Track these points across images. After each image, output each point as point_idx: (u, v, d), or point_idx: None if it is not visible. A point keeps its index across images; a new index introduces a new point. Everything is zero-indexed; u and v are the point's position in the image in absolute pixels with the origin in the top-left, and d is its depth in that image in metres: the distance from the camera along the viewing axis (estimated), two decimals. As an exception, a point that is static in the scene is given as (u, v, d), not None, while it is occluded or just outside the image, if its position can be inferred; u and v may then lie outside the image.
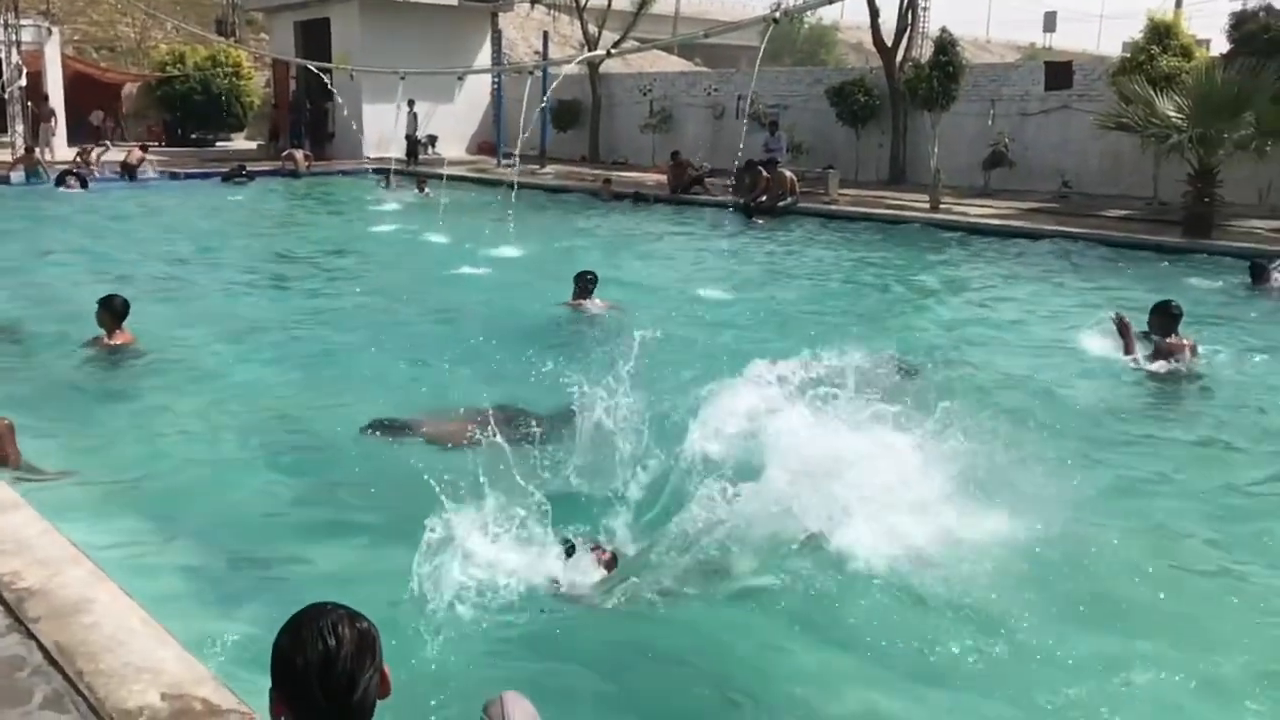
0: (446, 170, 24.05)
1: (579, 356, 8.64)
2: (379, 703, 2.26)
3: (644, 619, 4.42)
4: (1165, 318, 8.60)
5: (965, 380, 8.17)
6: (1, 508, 4.42)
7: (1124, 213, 17.95)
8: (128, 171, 22.75)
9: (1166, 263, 14.05)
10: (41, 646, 3.43)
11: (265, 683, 3.21)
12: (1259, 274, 12.44)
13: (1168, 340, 8.50)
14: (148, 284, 11.49)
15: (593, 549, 4.85)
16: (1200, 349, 8.68)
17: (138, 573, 4.34)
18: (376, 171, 23.69)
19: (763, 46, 11.02)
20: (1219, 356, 8.94)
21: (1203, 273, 13.26)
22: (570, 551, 4.78)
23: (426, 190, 21.62)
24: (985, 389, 7.92)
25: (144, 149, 24.84)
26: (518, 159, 17.79)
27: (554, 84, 21.60)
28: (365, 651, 2.21)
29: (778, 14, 10.24)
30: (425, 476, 5.88)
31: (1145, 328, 8.81)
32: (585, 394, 6.07)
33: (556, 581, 4.66)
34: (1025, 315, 11.15)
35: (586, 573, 4.75)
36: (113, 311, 8.38)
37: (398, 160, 26.30)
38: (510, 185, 17.55)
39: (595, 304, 10.10)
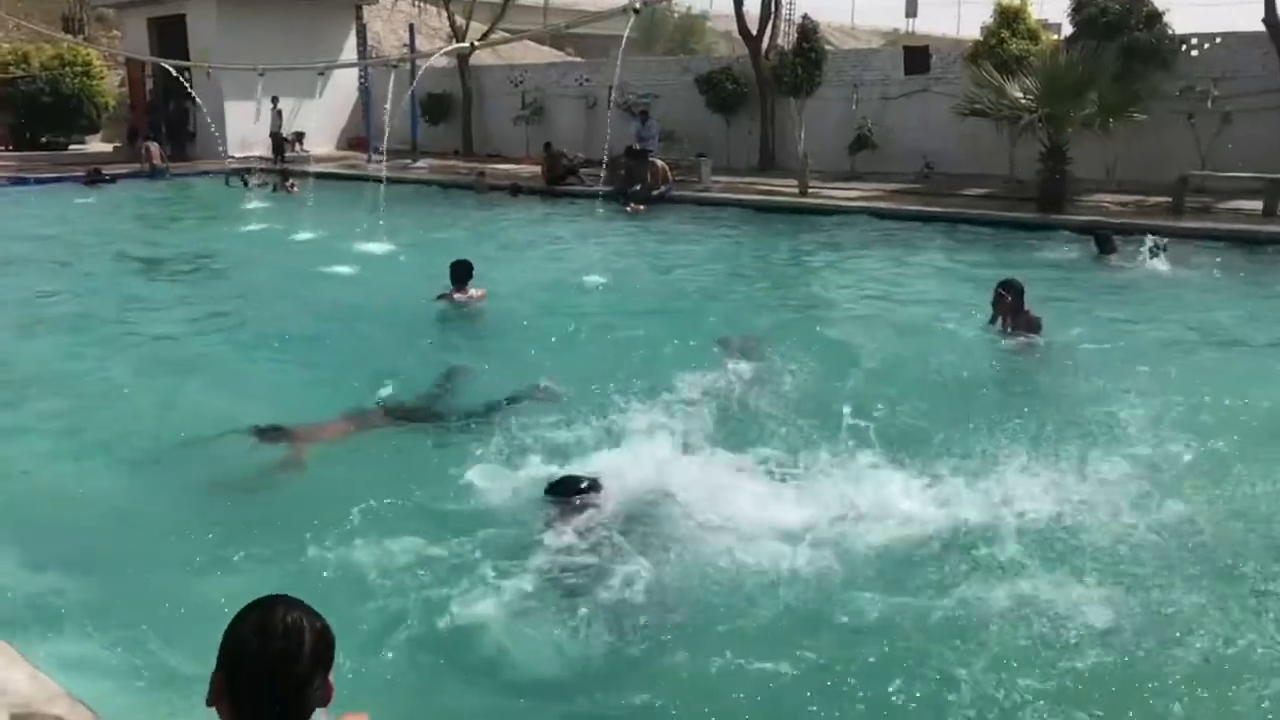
0: (315, 167, 23.56)
1: (452, 349, 8.65)
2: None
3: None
4: (1011, 293, 8.97)
5: (837, 358, 8.37)
6: None
7: (984, 191, 18.65)
8: (-29, 178, 21.61)
9: (1022, 239, 14.70)
10: (-118, 674, 3.29)
11: (122, 699, 3.16)
12: (1104, 244, 13.11)
13: (1016, 315, 8.88)
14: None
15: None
16: (1043, 321, 8.99)
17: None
18: (232, 172, 22.96)
19: (625, 35, 11.10)
20: (1065, 326, 9.42)
21: (1055, 246, 13.92)
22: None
23: (292, 185, 21.12)
24: (854, 365, 8.15)
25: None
26: (384, 154, 17.45)
27: (419, 74, 21.26)
28: (323, 652, 2.13)
29: (638, 4, 10.36)
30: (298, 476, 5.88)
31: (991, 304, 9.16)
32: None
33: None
34: (890, 291, 11.53)
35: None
36: None
37: (262, 158, 25.62)
38: (381, 180, 17.31)
39: (471, 293, 10.00)
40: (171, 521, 5.36)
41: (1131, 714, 3.75)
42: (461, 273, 9.94)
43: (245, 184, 21.85)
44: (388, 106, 17.82)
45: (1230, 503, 5.42)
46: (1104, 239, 13.15)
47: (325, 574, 4.64)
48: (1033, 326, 8.80)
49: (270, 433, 6.38)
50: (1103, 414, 6.82)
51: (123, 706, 3.45)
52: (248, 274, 12.68)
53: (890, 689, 3.84)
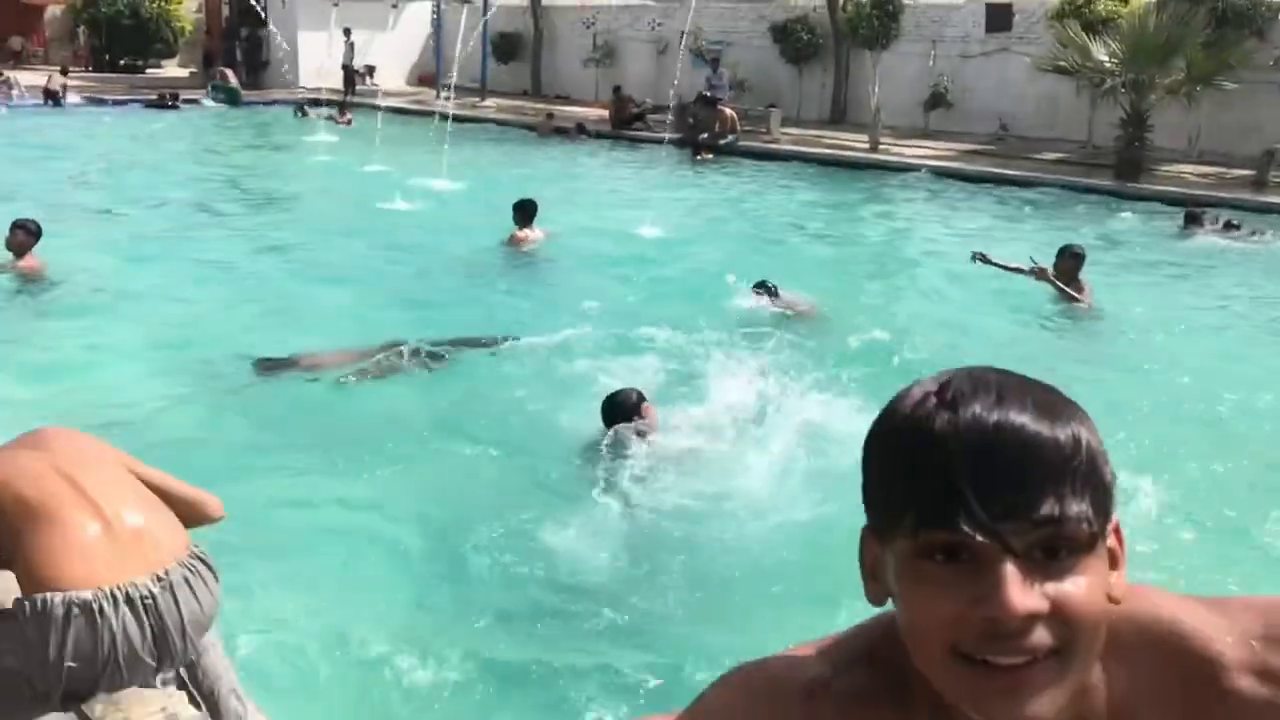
0: (383, 101, 23.64)
1: (519, 290, 8.70)
2: None
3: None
4: (1070, 260, 8.78)
5: (893, 321, 8.28)
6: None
7: (1059, 156, 18.19)
8: (50, 97, 22.01)
9: (1095, 206, 14.33)
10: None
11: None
12: (1191, 220, 12.71)
13: (1073, 282, 8.70)
14: (68, 212, 11.21)
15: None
16: (1093, 291, 8.80)
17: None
18: (297, 103, 23.14)
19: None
20: (1131, 297, 9.21)
21: (1134, 215, 13.55)
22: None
23: (348, 119, 21.23)
24: (912, 330, 8.05)
25: (65, 73, 23.99)
26: (452, 90, 17.42)
27: (491, 11, 21.16)
28: None
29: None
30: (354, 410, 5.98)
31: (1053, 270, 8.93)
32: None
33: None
34: (955, 252, 11.31)
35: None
36: (26, 234, 8.15)
37: (333, 90, 25.75)
38: (447, 117, 17.33)
39: (535, 232, 9.99)
40: (211, 437, 5.55)
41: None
42: (526, 212, 9.91)
43: (303, 113, 21.98)
44: (463, 42, 17.71)
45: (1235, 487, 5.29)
46: (1192, 215, 12.73)
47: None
48: (1084, 293, 8.66)
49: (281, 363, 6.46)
50: (1136, 384, 6.76)
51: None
52: (312, 205, 12.83)
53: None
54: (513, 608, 4.03)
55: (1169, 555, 4.61)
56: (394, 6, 22.27)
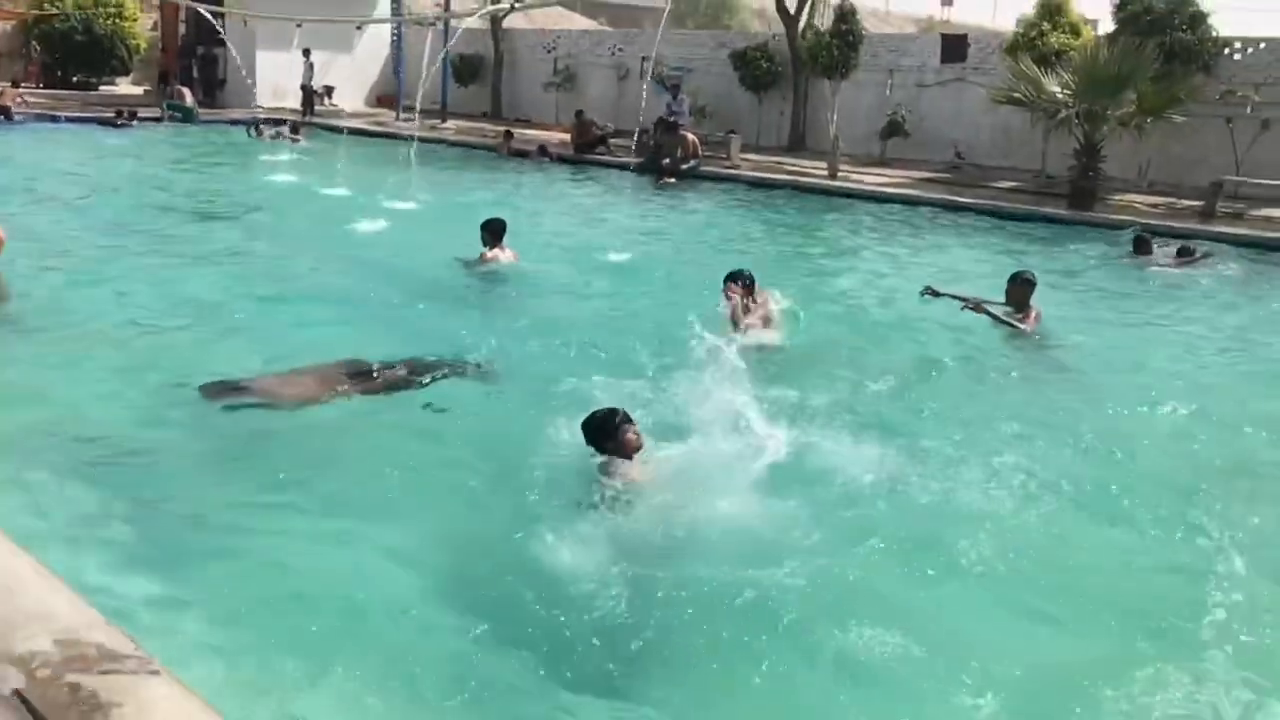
0: (347, 122, 23.55)
1: (490, 311, 8.68)
2: None
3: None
4: (1020, 286, 8.94)
5: (843, 346, 8.35)
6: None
7: (1013, 184, 18.54)
8: (2, 112, 21.64)
9: (1054, 235, 14.62)
10: (-75, 594, 3.33)
11: (163, 629, 3.20)
12: (1141, 246, 13.02)
13: (1023, 308, 8.86)
14: (21, 232, 11.00)
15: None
16: (1041, 316, 8.96)
17: (25, 519, 4.23)
18: (238, 122, 22.99)
19: (667, 7, 10.99)
20: (1082, 323, 9.43)
21: (1086, 242, 13.84)
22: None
23: (297, 136, 21.13)
24: (866, 356, 8.11)
25: (16, 86, 23.59)
26: (417, 112, 17.38)
27: (455, 36, 21.20)
28: None
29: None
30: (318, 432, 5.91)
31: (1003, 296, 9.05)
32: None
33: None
34: (909, 282, 11.47)
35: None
36: None
37: (290, 111, 25.56)
38: (410, 138, 17.28)
39: (505, 253, 9.94)
40: (182, 461, 5.44)
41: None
42: (494, 231, 9.86)
43: (257, 132, 21.81)
44: (426, 65, 17.70)
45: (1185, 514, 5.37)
46: (1140, 240, 13.07)
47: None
48: (1029, 319, 8.81)
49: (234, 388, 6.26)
50: (1089, 411, 6.91)
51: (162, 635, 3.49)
52: (274, 225, 12.70)
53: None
54: (502, 641, 3.97)
55: (1119, 583, 4.68)
56: (358, 29, 22.17)
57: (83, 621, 3.23)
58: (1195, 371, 8.36)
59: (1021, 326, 8.76)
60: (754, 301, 8.12)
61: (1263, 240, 14.13)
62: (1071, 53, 17.49)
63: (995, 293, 9.09)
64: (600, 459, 5.15)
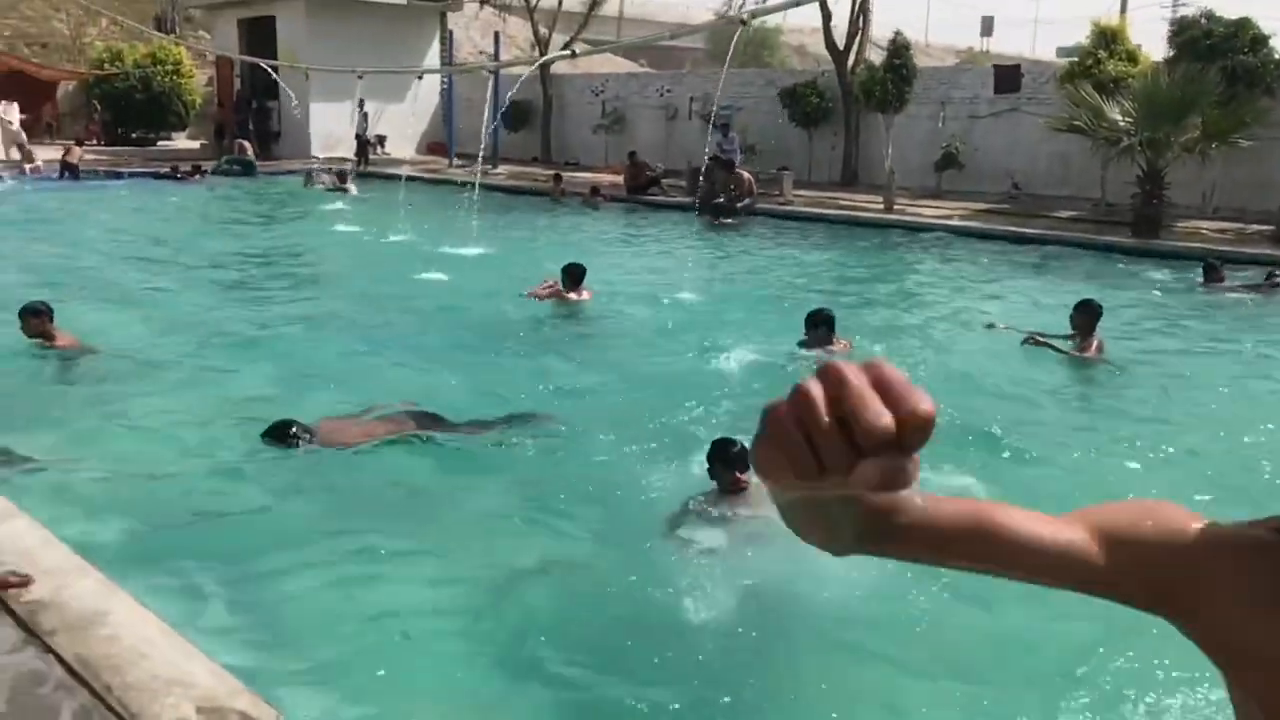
0: (398, 170, 23.86)
1: (570, 353, 8.69)
2: None
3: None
4: (1085, 314, 8.81)
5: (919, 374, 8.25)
6: (-2, 516, 4.26)
7: (1073, 214, 18.31)
8: (68, 170, 22.17)
9: (1120, 263, 14.39)
10: (61, 660, 3.31)
11: (288, 693, 3.16)
12: (1211, 273, 12.77)
13: (1087, 336, 8.72)
14: (98, 286, 11.20)
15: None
16: (1106, 346, 8.84)
17: (140, 580, 4.21)
18: (294, 172, 23.49)
19: (731, 49, 11.05)
20: (1145, 351, 9.33)
21: (1153, 271, 13.60)
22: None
23: (347, 185, 21.48)
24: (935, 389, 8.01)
25: (79, 144, 24.20)
26: (480, 159, 17.56)
27: (518, 85, 21.50)
28: None
29: (745, 15, 10.34)
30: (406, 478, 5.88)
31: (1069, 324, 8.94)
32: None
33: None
34: (978, 309, 11.37)
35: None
36: (38, 317, 8.01)
37: (343, 160, 25.96)
38: (465, 184, 17.43)
39: (583, 295, 10.29)
40: (261, 510, 5.45)
41: None
42: (574, 275, 10.20)
43: (311, 182, 22.19)
44: (488, 112, 17.90)
45: None
46: (1210, 267, 12.81)
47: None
48: (1091, 348, 8.68)
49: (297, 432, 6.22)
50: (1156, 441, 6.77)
51: (285, 700, 3.45)
52: (340, 274, 12.83)
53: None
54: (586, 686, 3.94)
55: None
56: (419, 79, 22.52)
57: (223, 689, 3.20)
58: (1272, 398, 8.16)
59: (1083, 356, 8.63)
60: (834, 344, 8.07)
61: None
62: (1130, 80, 17.30)
63: (1060, 323, 9.00)
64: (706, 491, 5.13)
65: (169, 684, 3.20)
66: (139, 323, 9.73)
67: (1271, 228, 15.71)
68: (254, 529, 5.21)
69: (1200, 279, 12.81)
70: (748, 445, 5.20)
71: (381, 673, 3.91)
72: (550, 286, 10.11)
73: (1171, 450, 6.73)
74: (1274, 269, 12.53)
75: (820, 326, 8.06)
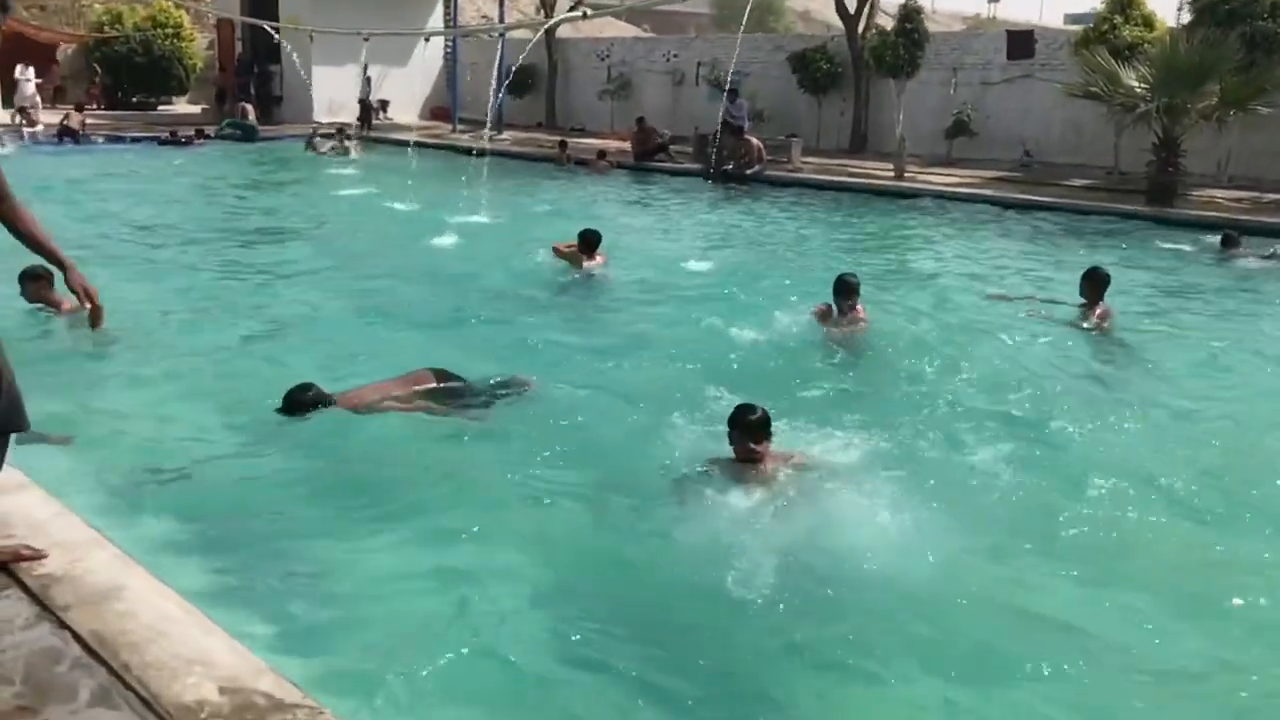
0: (401, 135, 23.61)
1: (587, 320, 8.60)
2: None
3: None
4: (1092, 282, 8.68)
5: (934, 348, 8.13)
6: (9, 488, 4.13)
7: (1087, 182, 18.10)
8: (68, 134, 21.91)
9: (1136, 232, 14.21)
10: (78, 637, 3.19)
11: (313, 670, 3.05)
12: (1229, 242, 12.60)
13: (1095, 305, 8.62)
14: (103, 253, 11.02)
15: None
16: (1112, 314, 8.73)
17: (156, 555, 4.10)
18: (298, 137, 23.22)
19: (746, 13, 10.80)
20: (1158, 320, 9.32)
21: (1170, 240, 13.42)
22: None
23: (348, 147, 21.26)
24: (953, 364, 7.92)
25: (80, 109, 23.93)
26: (489, 125, 17.30)
27: (527, 49, 21.20)
28: None
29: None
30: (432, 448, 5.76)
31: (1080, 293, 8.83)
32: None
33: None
34: (991, 278, 11.24)
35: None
36: (37, 281, 7.80)
37: (346, 124, 25.67)
38: (473, 151, 17.21)
39: (598, 261, 10.26)
40: (274, 479, 5.32)
41: None
42: (590, 241, 10.19)
43: (313, 147, 21.93)
44: (494, 82, 17.66)
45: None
46: (1229, 236, 12.65)
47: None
48: (1098, 314, 8.58)
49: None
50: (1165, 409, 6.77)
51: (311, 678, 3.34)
52: (348, 241, 12.63)
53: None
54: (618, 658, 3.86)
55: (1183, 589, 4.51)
56: (425, 41, 22.22)
57: (246, 668, 3.09)
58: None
59: (1086, 325, 8.54)
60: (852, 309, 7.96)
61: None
62: (1146, 45, 17.03)
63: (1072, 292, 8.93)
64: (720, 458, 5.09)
65: (189, 663, 3.08)
66: (143, 290, 9.54)
67: (1288, 196, 15.52)
68: (269, 499, 5.06)
69: (1218, 248, 12.65)
70: (769, 412, 5.12)
71: (407, 646, 3.81)
72: (573, 246, 10.15)
73: (1176, 420, 6.67)
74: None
75: (844, 294, 7.93)
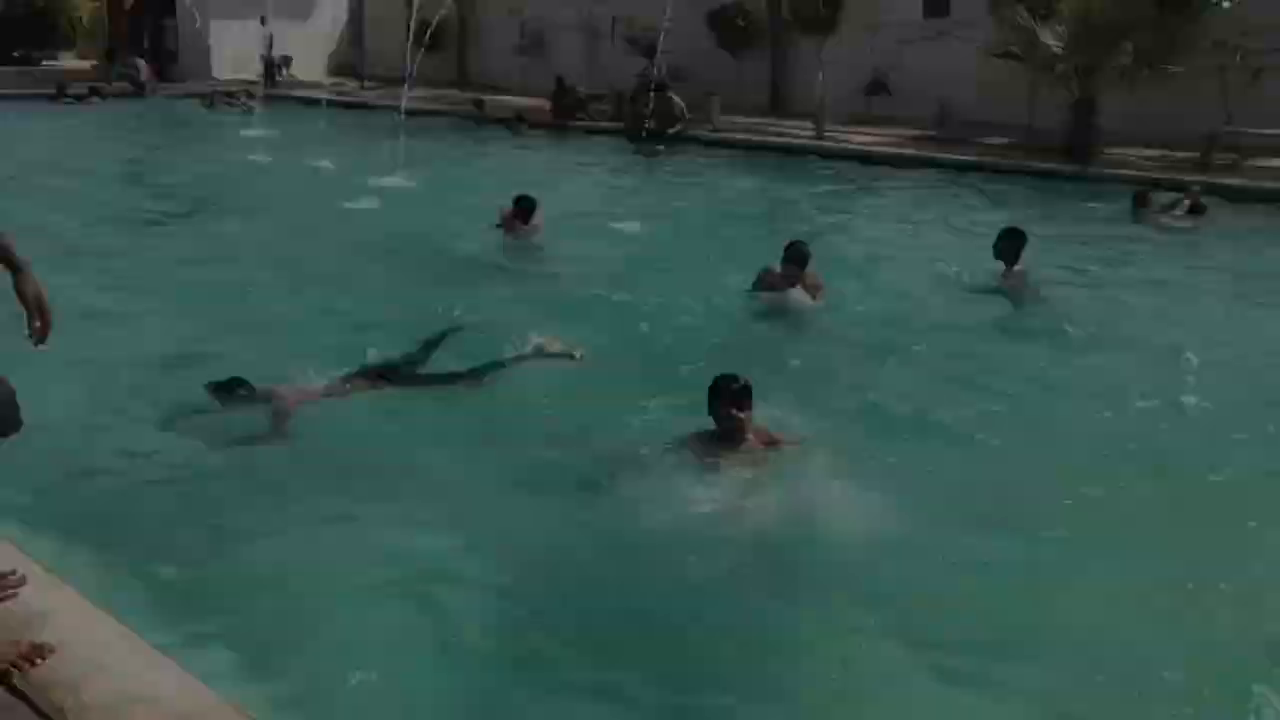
0: (306, 93, 22.76)
1: (518, 289, 8.35)
2: None
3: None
4: (1008, 241, 8.71)
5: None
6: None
7: (1005, 140, 18.22)
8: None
9: (1055, 191, 14.39)
10: None
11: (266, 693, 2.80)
12: (1141, 199, 12.82)
13: (1012, 266, 8.64)
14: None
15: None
16: (1031, 273, 8.78)
17: (86, 573, 3.74)
18: (196, 95, 22.36)
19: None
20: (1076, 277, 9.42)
21: (1087, 199, 13.62)
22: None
23: (248, 105, 20.52)
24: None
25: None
26: (407, 82, 16.69)
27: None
28: None
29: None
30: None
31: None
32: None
33: None
34: (909, 238, 11.30)
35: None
36: None
37: (245, 82, 24.63)
38: (392, 110, 16.59)
39: (530, 225, 10.05)
40: (198, 473, 5.02)
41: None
42: (524, 208, 10.00)
43: (212, 105, 21.12)
44: (409, 37, 17.03)
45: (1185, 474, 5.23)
46: (1141, 194, 12.87)
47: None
48: (1014, 274, 8.62)
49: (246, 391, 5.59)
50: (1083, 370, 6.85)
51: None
52: (265, 208, 12.03)
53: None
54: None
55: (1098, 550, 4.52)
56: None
57: (194, 706, 2.80)
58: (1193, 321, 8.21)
59: (1007, 284, 8.55)
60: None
61: (1261, 191, 13.98)
62: (1061, 3, 17.13)
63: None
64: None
65: (133, 702, 2.79)
66: (38, 262, 8.91)
67: (1197, 155, 15.82)
68: (207, 506, 4.70)
69: (1132, 206, 12.86)
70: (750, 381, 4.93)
71: (369, 655, 3.58)
72: (507, 211, 10.01)
73: (1094, 376, 6.75)
74: (1191, 187, 12.64)
75: (796, 261, 7.79)
